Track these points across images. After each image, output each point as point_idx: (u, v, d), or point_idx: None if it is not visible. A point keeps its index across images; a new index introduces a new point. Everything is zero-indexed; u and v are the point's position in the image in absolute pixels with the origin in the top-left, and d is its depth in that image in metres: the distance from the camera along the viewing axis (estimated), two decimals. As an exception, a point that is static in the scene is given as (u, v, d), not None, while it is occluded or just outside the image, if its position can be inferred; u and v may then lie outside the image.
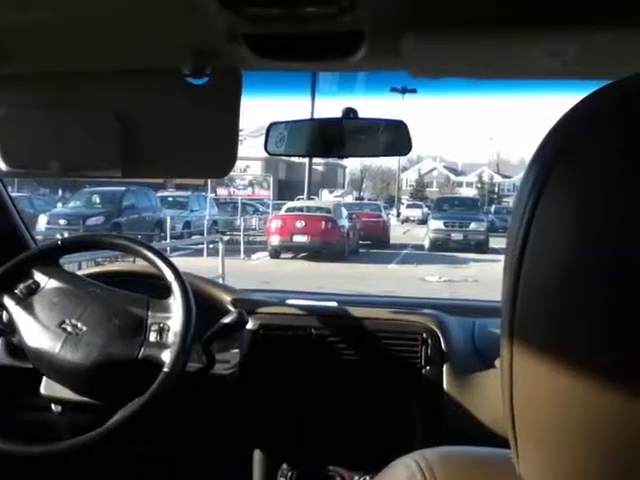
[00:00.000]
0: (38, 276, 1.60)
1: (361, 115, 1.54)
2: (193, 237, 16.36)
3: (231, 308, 1.75)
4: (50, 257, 1.66)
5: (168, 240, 14.53)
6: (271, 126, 1.57)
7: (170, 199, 20.02)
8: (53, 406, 1.61)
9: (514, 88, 1.61)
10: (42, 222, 15.04)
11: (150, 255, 1.57)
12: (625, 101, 0.41)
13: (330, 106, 1.63)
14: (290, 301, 1.87)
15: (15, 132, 1.34)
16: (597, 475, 0.42)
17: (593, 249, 0.40)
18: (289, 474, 1.69)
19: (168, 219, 15.94)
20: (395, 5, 1.04)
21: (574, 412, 0.42)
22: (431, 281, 11.65)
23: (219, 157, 1.35)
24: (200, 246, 13.90)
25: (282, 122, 1.60)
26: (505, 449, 0.51)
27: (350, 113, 1.54)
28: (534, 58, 1.17)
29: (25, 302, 1.57)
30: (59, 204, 20.09)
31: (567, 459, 0.43)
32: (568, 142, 0.42)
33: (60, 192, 25.80)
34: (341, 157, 2.00)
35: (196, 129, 1.34)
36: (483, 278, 10.11)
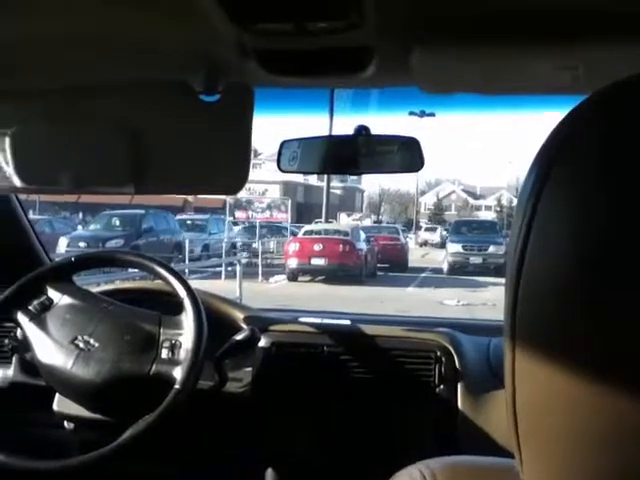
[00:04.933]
0: (51, 292, 1.61)
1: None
2: (211, 259, 16.40)
3: (244, 326, 1.75)
4: (63, 274, 1.67)
5: (186, 262, 14.58)
6: (284, 144, 1.58)
7: (189, 222, 20.18)
8: (65, 423, 1.61)
9: (529, 104, 1.60)
10: (62, 245, 15.16)
11: (162, 272, 1.57)
12: (613, 105, 0.42)
13: (347, 125, 1.64)
14: (303, 319, 1.87)
15: (26, 148, 1.35)
16: (600, 479, 0.41)
17: (592, 249, 0.39)
18: None
19: (187, 242, 16.02)
20: (404, 20, 1.04)
21: (576, 415, 0.41)
22: (449, 305, 11.57)
23: (231, 174, 1.35)
24: (218, 269, 13.93)
25: (295, 140, 1.60)
26: (511, 459, 0.50)
27: (362, 130, 1.54)
28: (545, 73, 1.16)
29: (38, 318, 1.57)
30: (79, 227, 20.30)
31: (570, 463, 0.42)
32: (565, 144, 0.42)
33: (80, 215, 26.07)
34: (354, 174, 2.01)
35: (208, 146, 1.34)
36: (502, 302, 9.97)
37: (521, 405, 0.44)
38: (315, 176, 29.57)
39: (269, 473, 1.72)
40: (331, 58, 1.17)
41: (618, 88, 0.43)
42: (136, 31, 1.09)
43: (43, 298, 1.60)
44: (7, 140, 1.33)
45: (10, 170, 1.34)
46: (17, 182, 1.36)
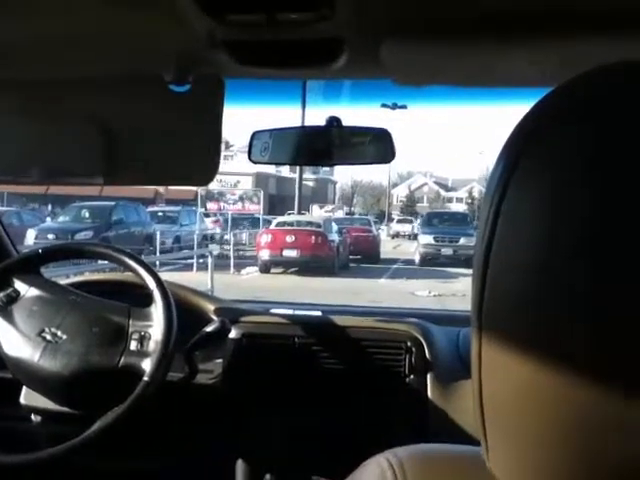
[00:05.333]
0: (18, 284, 1.59)
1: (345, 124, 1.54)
2: (183, 251, 16.31)
3: (214, 317, 1.74)
4: (31, 265, 1.64)
5: (158, 254, 14.47)
6: (255, 134, 1.56)
7: (160, 214, 20.02)
8: (33, 416, 1.59)
9: (503, 97, 1.61)
10: (30, 237, 14.92)
11: (131, 263, 1.56)
12: (588, 95, 0.42)
13: (318, 117, 1.63)
14: (274, 310, 1.87)
15: None
16: (564, 467, 0.41)
17: (560, 239, 0.40)
18: None
19: (158, 233, 15.89)
20: (375, 13, 1.04)
21: (541, 404, 0.41)
22: (421, 296, 11.65)
23: (202, 165, 1.34)
24: (190, 261, 13.85)
25: (266, 130, 1.59)
26: (478, 446, 0.50)
27: (334, 122, 1.54)
28: (518, 66, 1.17)
29: (5, 311, 1.55)
30: (48, 219, 20.03)
31: (535, 451, 0.43)
32: (532, 136, 0.43)
33: (49, 207, 25.73)
34: (327, 165, 2.01)
35: (178, 136, 1.33)
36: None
37: (487, 394, 0.45)
38: (287, 168, 29.50)
39: (240, 464, 1.71)
40: (302, 49, 1.16)
41: (584, 79, 0.43)
42: (106, 23, 1.08)
43: (9, 290, 1.58)
44: None
45: None
46: None
